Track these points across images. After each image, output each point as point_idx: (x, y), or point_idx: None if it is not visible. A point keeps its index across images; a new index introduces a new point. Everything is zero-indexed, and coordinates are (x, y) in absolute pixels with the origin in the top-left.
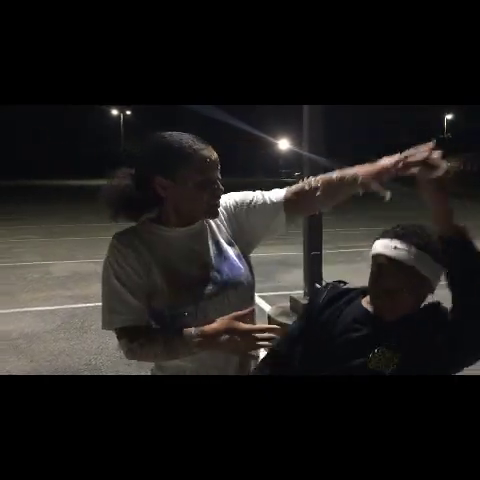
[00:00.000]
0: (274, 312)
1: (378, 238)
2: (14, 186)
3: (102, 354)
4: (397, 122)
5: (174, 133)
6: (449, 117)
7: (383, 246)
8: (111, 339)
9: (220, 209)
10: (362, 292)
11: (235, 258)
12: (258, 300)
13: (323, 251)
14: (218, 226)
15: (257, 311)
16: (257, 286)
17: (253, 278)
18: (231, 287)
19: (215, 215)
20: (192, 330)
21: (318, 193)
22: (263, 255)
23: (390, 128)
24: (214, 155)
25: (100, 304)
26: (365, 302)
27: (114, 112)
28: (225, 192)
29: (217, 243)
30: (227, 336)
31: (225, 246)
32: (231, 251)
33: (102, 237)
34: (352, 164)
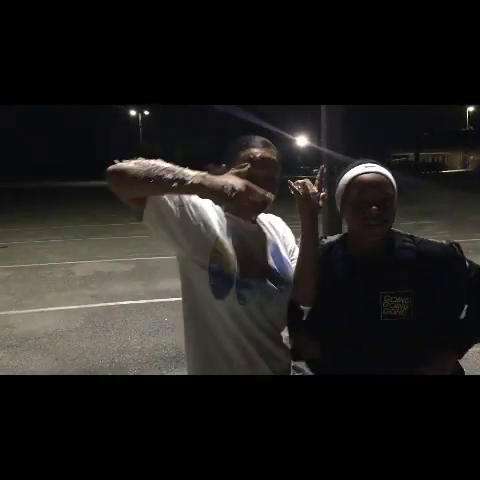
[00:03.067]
0: None
1: (341, 177)
2: (35, 188)
3: (125, 352)
4: (416, 115)
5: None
6: (471, 109)
7: (357, 171)
8: (133, 338)
9: (278, 225)
10: (342, 239)
11: (287, 263)
12: None
13: None
14: (276, 234)
15: None
16: None
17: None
18: (281, 285)
19: (251, 216)
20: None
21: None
22: None
23: (410, 122)
24: (263, 154)
25: (122, 303)
26: (349, 247)
27: (132, 113)
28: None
29: (276, 247)
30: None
31: (282, 251)
32: (285, 255)
33: (123, 237)
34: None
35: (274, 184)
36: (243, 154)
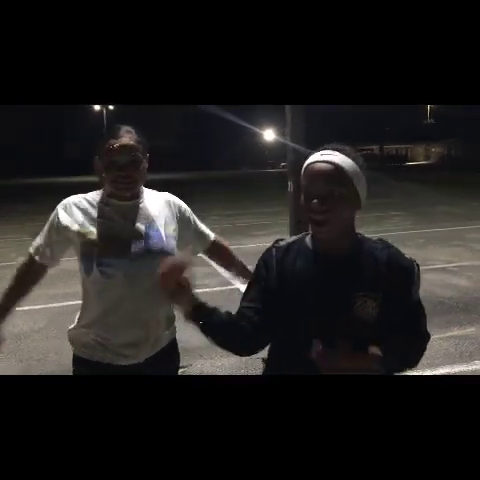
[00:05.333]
0: None
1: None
2: (2, 185)
3: None
4: (379, 109)
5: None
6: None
7: (311, 159)
8: None
9: (167, 201)
10: (303, 237)
11: (163, 235)
12: None
13: None
14: (158, 211)
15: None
16: None
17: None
18: (153, 253)
19: (122, 194)
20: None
21: (221, 261)
22: (251, 246)
23: (372, 114)
24: (121, 142)
25: None
26: (309, 242)
27: (96, 108)
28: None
29: (150, 220)
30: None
31: (158, 224)
32: (163, 230)
33: None
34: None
35: (137, 166)
36: (105, 145)
